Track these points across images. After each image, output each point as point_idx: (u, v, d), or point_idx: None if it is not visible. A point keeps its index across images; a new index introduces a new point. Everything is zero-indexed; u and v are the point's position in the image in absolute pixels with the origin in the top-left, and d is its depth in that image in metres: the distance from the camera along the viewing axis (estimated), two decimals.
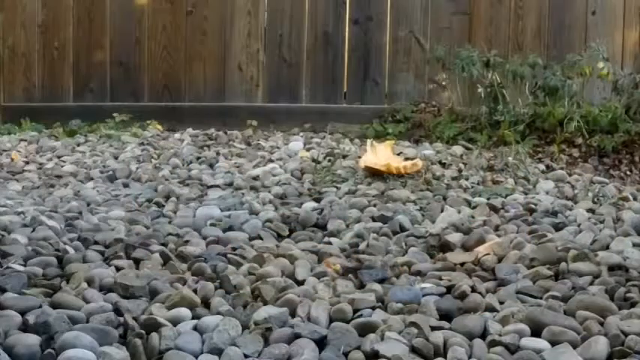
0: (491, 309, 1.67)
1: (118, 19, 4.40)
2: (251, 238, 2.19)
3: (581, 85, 3.76)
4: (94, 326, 1.52)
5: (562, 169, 3.35)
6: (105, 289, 1.75)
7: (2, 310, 1.57)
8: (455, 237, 2.18)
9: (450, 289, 1.78)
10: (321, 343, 1.49)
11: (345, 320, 1.58)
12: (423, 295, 1.73)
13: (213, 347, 1.47)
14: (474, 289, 1.77)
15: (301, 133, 4.02)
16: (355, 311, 1.62)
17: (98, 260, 1.94)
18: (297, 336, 1.51)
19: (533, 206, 2.59)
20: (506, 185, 3.00)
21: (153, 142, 3.72)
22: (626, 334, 1.51)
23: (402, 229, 2.32)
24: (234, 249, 2.07)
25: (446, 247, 2.13)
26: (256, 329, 1.53)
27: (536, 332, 1.54)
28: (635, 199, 2.81)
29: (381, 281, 1.83)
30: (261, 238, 2.19)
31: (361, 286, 1.82)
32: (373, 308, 1.65)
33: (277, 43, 4.39)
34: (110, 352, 1.44)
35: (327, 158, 3.30)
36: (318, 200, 2.68)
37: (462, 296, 1.72)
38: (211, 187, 2.89)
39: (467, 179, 3.07)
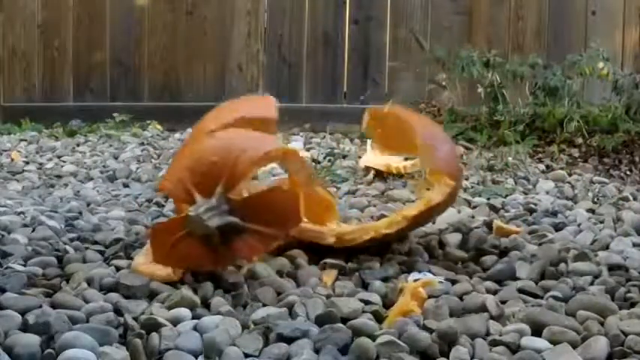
0: (491, 309, 1.66)
1: (118, 19, 4.41)
2: None
3: (581, 85, 3.77)
4: (94, 326, 1.52)
5: (562, 169, 3.35)
6: (105, 289, 1.75)
7: (2, 310, 1.57)
8: (455, 237, 2.17)
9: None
10: (319, 343, 1.49)
11: (345, 320, 1.58)
12: None
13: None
14: (474, 289, 1.77)
15: (301, 133, 4.02)
16: (355, 312, 1.62)
17: (98, 260, 1.94)
18: (297, 336, 1.51)
19: (533, 206, 2.59)
20: (506, 185, 3.00)
21: (153, 142, 3.72)
22: (626, 334, 1.51)
23: None
24: None
25: (446, 246, 2.13)
26: (256, 329, 1.53)
27: (536, 332, 1.54)
28: (635, 199, 2.81)
29: (382, 281, 1.83)
30: None
31: (361, 287, 1.82)
32: (373, 310, 1.65)
33: (277, 43, 4.39)
34: (110, 352, 1.44)
35: (327, 158, 3.30)
36: None
37: (463, 296, 1.73)
38: None
39: (467, 179, 3.07)
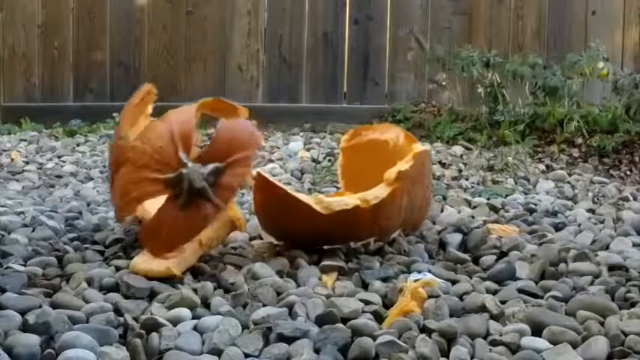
0: (491, 309, 1.66)
1: (118, 19, 4.41)
2: (251, 238, 2.19)
3: (581, 85, 3.77)
4: (94, 326, 1.52)
5: (562, 169, 3.35)
6: (105, 289, 1.75)
7: (2, 310, 1.57)
8: (455, 237, 2.17)
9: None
10: (319, 343, 1.49)
11: (345, 320, 1.58)
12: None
13: (213, 347, 1.47)
14: (474, 289, 1.77)
15: (301, 133, 4.02)
16: (355, 312, 1.62)
17: (98, 260, 1.94)
18: (297, 336, 1.51)
19: (533, 206, 2.59)
20: (506, 185, 3.00)
21: None
22: (626, 334, 1.51)
23: None
24: (234, 249, 2.07)
25: (446, 246, 2.13)
26: (256, 329, 1.53)
27: (536, 332, 1.54)
28: (635, 199, 2.81)
29: (382, 281, 1.83)
30: (262, 238, 2.19)
31: (361, 287, 1.82)
32: (373, 310, 1.65)
33: (277, 43, 4.39)
34: (110, 352, 1.44)
35: (327, 158, 3.30)
36: None
37: (463, 296, 1.73)
38: None
39: (467, 179, 3.07)
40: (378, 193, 2.01)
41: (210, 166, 1.87)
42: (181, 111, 1.98)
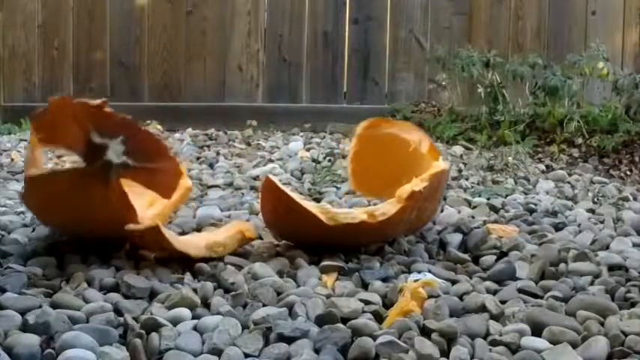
0: (491, 309, 1.67)
1: (118, 19, 4.41)
2: None
3: (581, 85, 3.77)
4: (94, 326, 1.52)
5: (562, 169, 3.35)
6: (105, 289, 1.75)
7: (2, 310, 1.57)
8: (455, 237, 2.17)
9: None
10: (319, 343, 1.49)
11: (345, 320, 1.58)
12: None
13: (214, 347, 1.47)
14: (474, 289, 1.78)
15: (301, 133, 4.02)
16: (355, 312, 1.62)
17: (98, 260, 1.94)
18: (297, 336, 1.51)
19: (533, 206, 2.59)
20: (506, 185, 3.00)
21: None
22: (626, 334, 1.51)
23: None
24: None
25: (446, 246, 2.13)
26: (256, 329, 1.53)
27: (536, 332, 1.54)
28: (635, 199, 2.81)
29: (382, 281, 1.83)
30: (262, 238, 2.19)
31: (361, 287, 1.82)
32: (373, 310, 1.65)
33: (277, 43, 4.39)
34: (110, 352, 1.44)
35: (327, 158, 3.30)
36: (318, 200, 2.68)
37: (463, 296, 1.73)
38: (211, 187, 2.89)
39: (467, 179, 3.07)
40: (387, 209, 2.00)
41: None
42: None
